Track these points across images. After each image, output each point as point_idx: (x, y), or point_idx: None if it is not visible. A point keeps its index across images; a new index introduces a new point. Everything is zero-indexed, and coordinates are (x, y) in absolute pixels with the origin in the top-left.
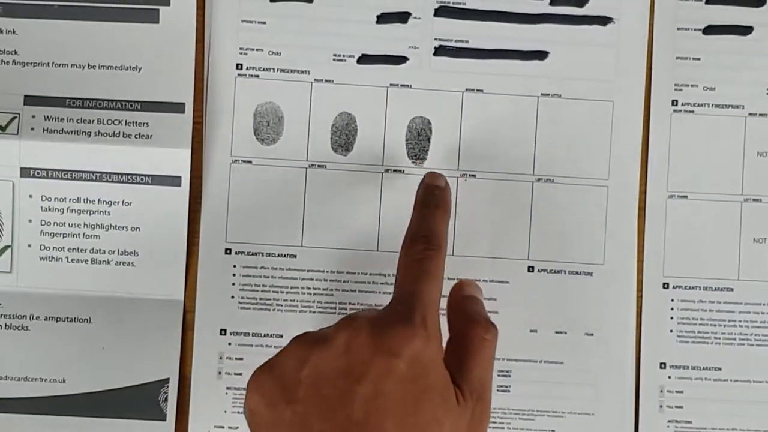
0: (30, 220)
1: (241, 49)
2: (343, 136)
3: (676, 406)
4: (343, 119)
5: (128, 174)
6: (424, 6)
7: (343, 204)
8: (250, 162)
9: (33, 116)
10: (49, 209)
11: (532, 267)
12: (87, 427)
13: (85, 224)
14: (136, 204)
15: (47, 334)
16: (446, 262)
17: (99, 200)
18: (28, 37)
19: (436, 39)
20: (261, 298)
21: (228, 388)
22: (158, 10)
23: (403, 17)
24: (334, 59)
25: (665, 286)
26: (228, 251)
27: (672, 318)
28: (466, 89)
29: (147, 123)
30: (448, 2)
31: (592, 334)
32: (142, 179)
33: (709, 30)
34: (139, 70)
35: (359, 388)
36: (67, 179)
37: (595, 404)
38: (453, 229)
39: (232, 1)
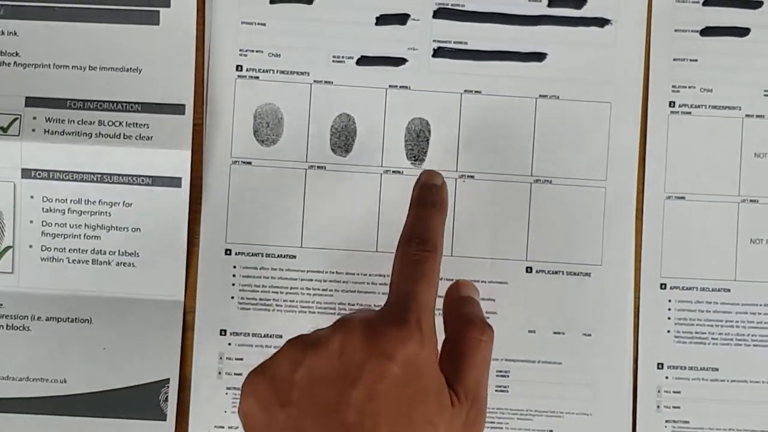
0: (31, 221)
1: (240, 50)
2: (343, 137)
3: (674, 407)
4: (342, 120)
5: (129, 175)
6: (423, 8)
7: (342, 205)
8: (249, 163)
9: (34, 117)
10: (51, 210)
11: (531, 268)
12: (88, 427)
13: (86, 225)
14: (136, 205)
15: (48, 334)
16: (445, 263)
17: (100, 201)
18: (30, 39)
19: (434, 40)
20: (261, 299)
21: (228, 388)
22: (158, 11)
23: (402, 19)
24: (333, 61)
25: (663, 286)
26: (228, 252)
27: (669, 318)
28: (465, 90)
29: (147, 124)
30: (447, 4)
31: (590, 335)
32: (142, 180)
33: (707, 31)
34: (140, 71)
35: (353, 391)
36: (68, 180)
37: (593, 404)
38: (451, 229)
39: (232, 3)
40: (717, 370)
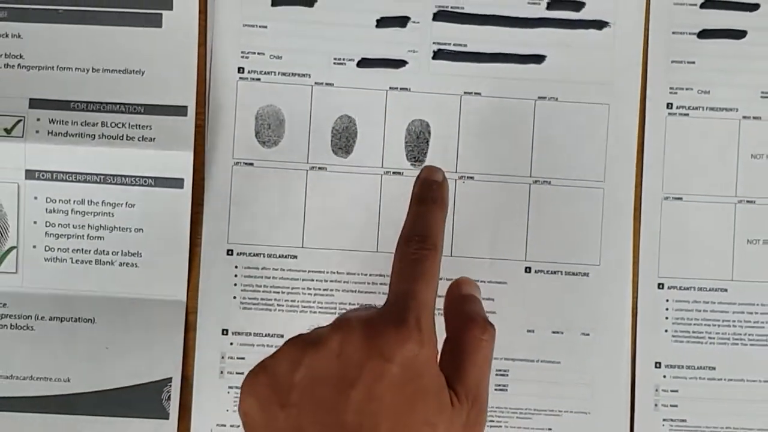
0: (35, 222)
1: (242, 52)
2: (343, 139)
3: (671, 405)
4: (343, 122)
5: (132, 176)
6: (423, 10)
7: (343, 205)
8: (251, 164)
9: (38, 119)
10: (54, 211)
11: (530, 268)
12: (91, 426)
13: (89, 226)
14: (139, 206)
15: (52, 334)
16: (444, 264)
17: (103, 202)
18: (34, 41)
19: (434, 43)
20: (262, 299)
21: (230, 387)
22: (161, 14)
23: (402, 21)
24: (334, 63)
25: (660, 286)
26: (230, 252)
27: (667, 318)
28: (465, 92)
29: (150, 126)
30: (447, 7)
31: (588, 334)
32: (145, 181)
33: (704, 34)
34: (143, 73)
35: (352, 392)
36: (72, 181)
37: (592, 403)
38: (451, 230)
39: (233, 6)
40: (714, 369)
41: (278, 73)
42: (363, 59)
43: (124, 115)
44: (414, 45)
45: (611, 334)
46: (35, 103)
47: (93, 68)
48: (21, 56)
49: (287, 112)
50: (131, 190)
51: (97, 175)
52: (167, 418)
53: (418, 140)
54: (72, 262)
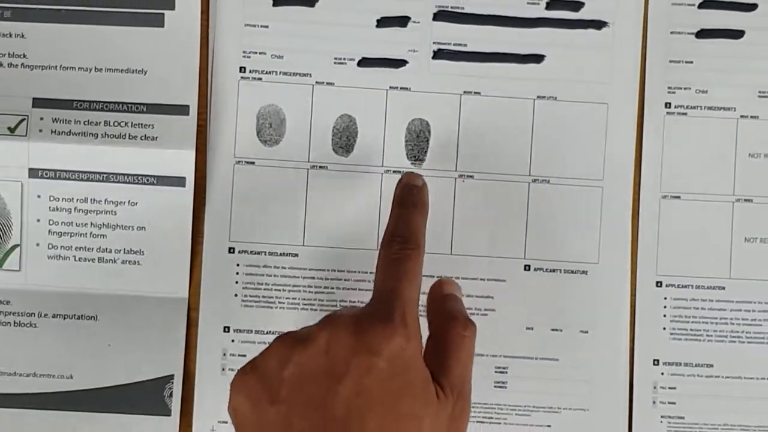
0: (38, 220)
1: (244, 52)
2: (344, 138)
3: (669, 402)
4: (343, 121)
5: (134, 175)
6: (424, 10)
7: (343, 204)
8: (252, 163)
9: (41, 118)
10: (57, 209)
11: (529, 266)
12: (93, 422)
13: (92, 224)
14: (141, 204)
15: (55, 331)
16: (444, 261)
17: (105, 200)
18: (37, 41)
19: (434, 43)
20: (263, 296)
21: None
22: (163, 14)
23: (402, 21)
24: (335, 62)
25: (658, 284)
26: (231, 250)
27: (665, 316)
28: (464, 92)
29: (152, 125)
30: (447, 7)
31: (586, 332)
32: (147, 180)
33: (702, 34)
34: (145, 73)
35: (340, 386)
36: (75, 180)
37: (590, 400)
38: (451, 228)
39: (235, 6)
40: (712, 366)
41: (279, 73)
42: (363, 59)
43: (126, 114)
44: (414, 45)
45: (610, 332)
46: (38, 102)
47: (96, 68)
48: (24, 56)
49: (288, 112)
50: (134, 188)
51: (99, 173)
52: (169, 415)
53: (418, 139)
54: (75, 259)
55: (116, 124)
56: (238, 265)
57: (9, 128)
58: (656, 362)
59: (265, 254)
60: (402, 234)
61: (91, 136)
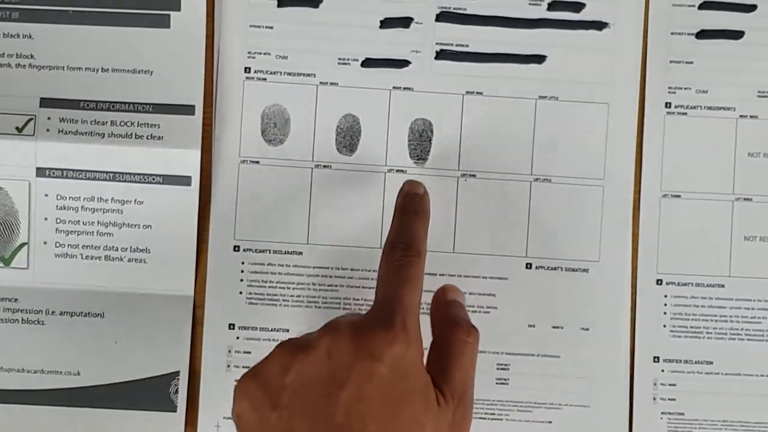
0: (46, 219)
1: (249, 53)
2: (348, 137)
3: (669, 399)
4: (347, 121)
5: (140, 174)
6: (426, 11)
7: (347, 203)
8: (257, 162)
9: (48, 118)
10: (64, 208)
11: (530, 264)
12: (100, 418)
13: (98, 222)
14: (147, 203)
15: (62, 328)
16: (447, 260)
17: (112, 199)
18: (44, 42)
19: (437, 43)
20: (268, 294)
21: (236, 381)
22: (169, 15)
23: (405, 22)
24: (338, 63)
25: (659, 282)
26: (236, 248)
27: (665, 313)
28: (467, 92)
29: (158, 125)
30: (449, 8)
31: (587, 329)
32: (153, 179)
33: (702, 34)
34: (151, 73)
35: (342, 392)
36: (82, 179)
37: (591, 396)
38: (453, 227)
39: (240, 7)
40: (711, 363)
41: (284, 73)
42: (367, 59)
43: (132, 114)
44: (417, 45)
45: (610, 329)
46: (46, 102)
47: (102, 68)
48: (32, 56)
49: (293, 111)
50: (140, 187)
51: (106, 172)
52: (175, 411)
53: (420, 139)
54: (82, 257)
55: (122, 123)
56: (243, 263)
57: (17, 128)
58: (656, 359)
59: (270, 252)
60: (404, 241)
61: (97, 135)
